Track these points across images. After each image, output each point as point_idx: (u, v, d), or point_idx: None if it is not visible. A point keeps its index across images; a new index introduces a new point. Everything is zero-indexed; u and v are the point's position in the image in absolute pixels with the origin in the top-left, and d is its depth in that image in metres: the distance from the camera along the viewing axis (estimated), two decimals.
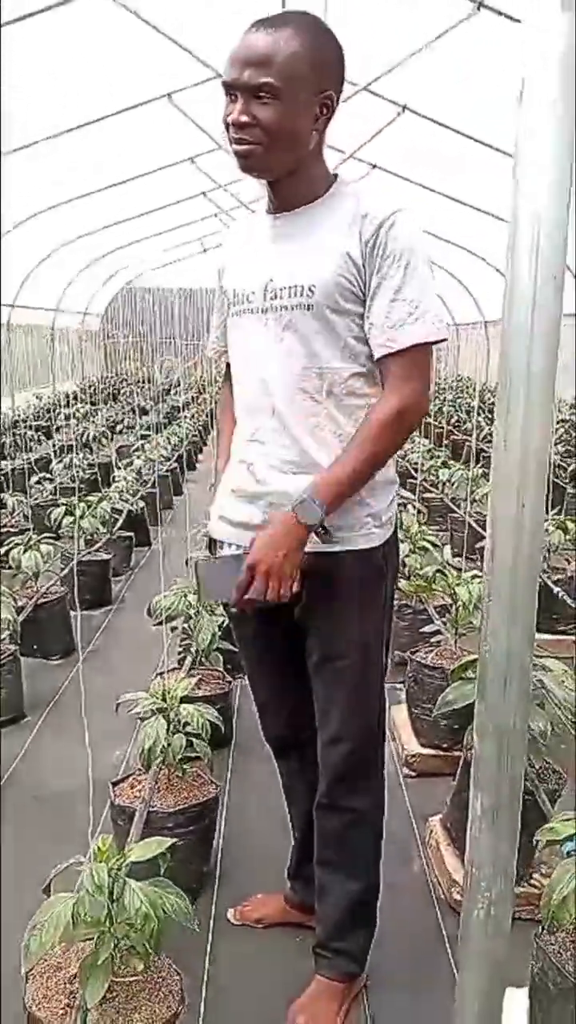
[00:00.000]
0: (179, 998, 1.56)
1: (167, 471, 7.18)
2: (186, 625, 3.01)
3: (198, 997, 1.85)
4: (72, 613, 3.79)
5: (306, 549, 1.62)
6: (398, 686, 3.07)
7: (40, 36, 5.05)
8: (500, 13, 4.09)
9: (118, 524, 5.13)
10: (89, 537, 4.55)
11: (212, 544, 1.81)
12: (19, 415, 9.24)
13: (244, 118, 1.48)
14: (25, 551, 3.58)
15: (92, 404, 10.36)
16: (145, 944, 1.42)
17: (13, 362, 10.16)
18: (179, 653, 3.09)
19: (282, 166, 1.55)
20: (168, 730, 2.09)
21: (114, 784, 2.22)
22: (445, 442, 9.19)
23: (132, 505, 5.46)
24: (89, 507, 4.62)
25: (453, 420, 10.14)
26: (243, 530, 1.70)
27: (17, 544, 3.65)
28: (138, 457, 6.99)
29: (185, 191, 9.73)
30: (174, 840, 1.55)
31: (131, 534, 5.31)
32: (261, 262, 1.65)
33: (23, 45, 5.16)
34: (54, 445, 7.87)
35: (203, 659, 2.87)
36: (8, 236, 9.01)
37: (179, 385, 13.48)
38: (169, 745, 2.07)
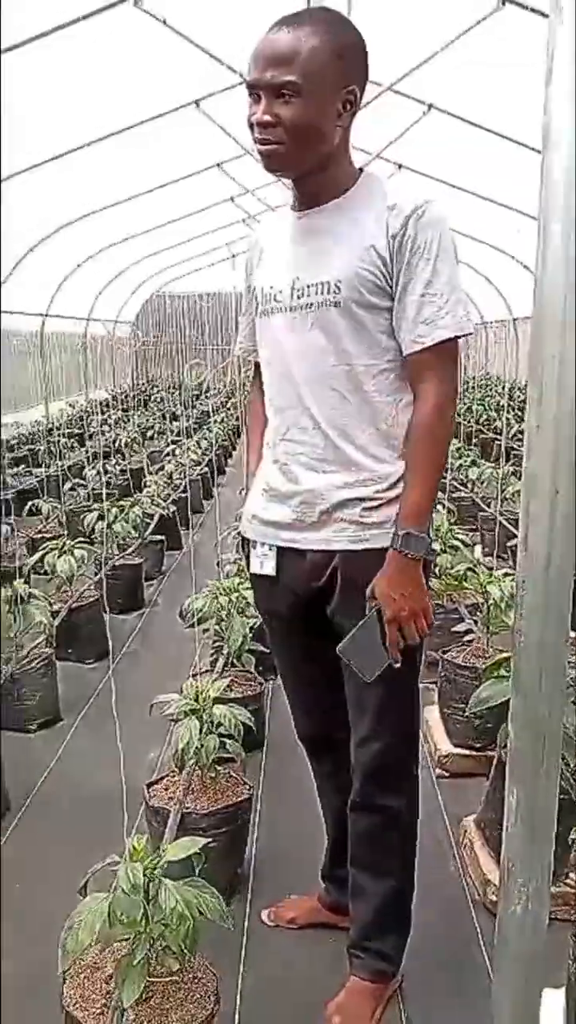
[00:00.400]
0: (215, 998, 1.56)
1: (198, 475, 7.21)
2: (217, 627, 3.02)
3: (233, 997, 1.85)
4: (105, 617, 3.82)
5: (338, 547, 1.62)
6: (430, 686, 3.04)
7: (68, 48, 5.11)
8: (525, 7, 4.06)
9: (150, 529, 5.16)
10: (122, 542, 4.59)
11: (244, 543, 1.81)
12: (53, 423, 9.35)
13: (267, 117, 1.48)
14: (60, 556, 3.62)
15: (124, 410, 10.45)
16: (181, 944, 1.42)
17: (48, 371, 10.29)
18: (211, 655, 3.10)
19: (307, 164, 1.55)
20: (201, 731, 2.09)
21: (148, 786, 2.24)
22: (474, 440, 9.12)
23: (163, 510, 5.49)
24: (121, 512, 4.66)
25: (482, 418, 10.06)
26: (275, 529, 1.71)
27: (52, 549, 3.69)
28: (169, 462, 7.03)
29: (212, 197, 9.79)
30: (208, 840, 1.55)
31: (162, 538, 5.34)
32: (288, 260, 1.65)
33: (50, 57, 5.21)
34: (87, 452, 7.96)
35: (235, 661, 2.87)
36: (40, 247, 9.14)
37: (209, 390, 13.55)
38: (202, 746, 2.08)
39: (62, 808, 2.63)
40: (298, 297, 1.61)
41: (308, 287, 1.60)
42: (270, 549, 1.74)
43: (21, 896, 2.22)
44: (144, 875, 1.43)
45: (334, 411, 1.61)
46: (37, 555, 3.65)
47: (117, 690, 3.23)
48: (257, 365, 1.82)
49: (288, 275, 1.63)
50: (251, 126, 1.53)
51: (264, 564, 1.75)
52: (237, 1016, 1.81)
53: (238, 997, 1.86)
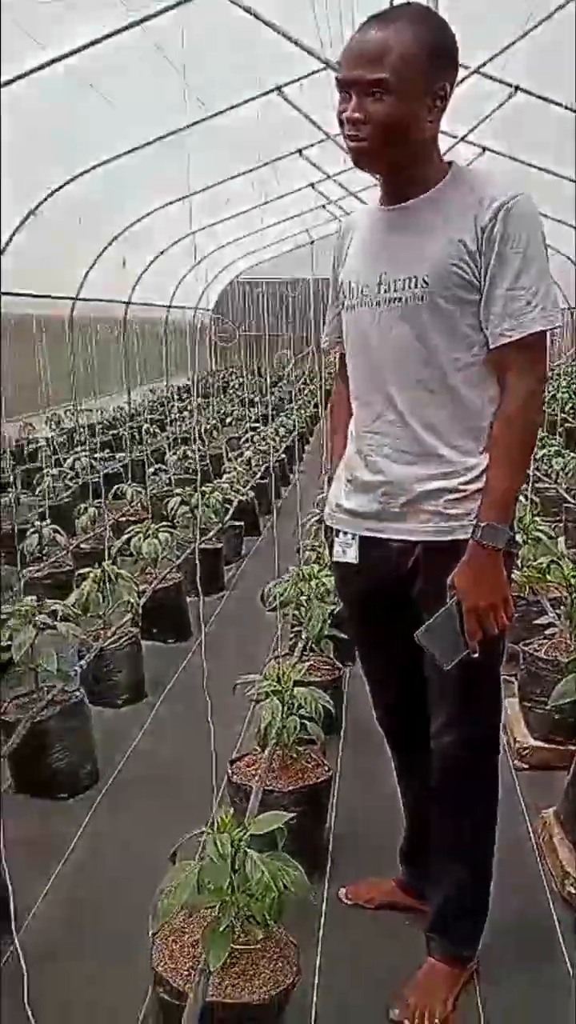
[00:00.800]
0: (296, 968, 1.62)
1: (276, 462, 7.28)
2: (297, 613, 3.08)
3: (311, 970, 1.91)
4: (188, 599, 3.93)
5: (421, 538, 1.65)
6: (510, 678, 3.03)
7: (151, 38, 5.19)
8: None
9: (229, 514, 5.26)
10: (203, 526, 4.70)
11: (328, 532, 1.86)
12: (135, 409, 9.58)
13: (358, 115, 1.51)
14: (145, 539, 3.74)
15: (204, 397, 10.62)
16: (265, 914, 1.48)
17: (130, 359, 10.53)
18: (290, 639, 3.16)
19: (396, 160, 1.57)
20: (283, 712, 2.15)
21: (231, 763, 2.31)
22: (559, 430, 8.90)
23: (242, 495, 5.58)
24: (203, 497, 4.77)
25: (568, 407, 9.81)
26: (358, 519, 1.75)
27: (138, 532, 3.82)
28: (247, 448, 7.13)
29: (293, 183, 9.81)
30: (292, 815, 1.61)
31: (241, 523, 5.44)
32: (376, 255, 1.68)
33: (135, 48, 5.29)
34: (168, 437, 8.12)
35: (314, 646, 2.93)
36: (122, 237, 9.33)
37: (287, 377, 13.61)
38: (284, 727, 2.14)
39: (147, 780, 2.74)
40: (385, 291, 1.64)
41: (396, 281, 1.62)
42: (352, 538, 1.78)
43: (109, 862, 2.34)
44: (231, 846, 1.50)
45: (420, 404, 1.63)
46: (124, 537, 3.78)
47: (197, 670, 3.33)
48: (342, 356, 1.86)
49: (376, 269, 1.66)
50: (341, 122, 1.56)
51: (346, 552, 1.79)
52: (315, 988, 1.87)
53: (315, 970, 1.92)
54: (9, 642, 2.49)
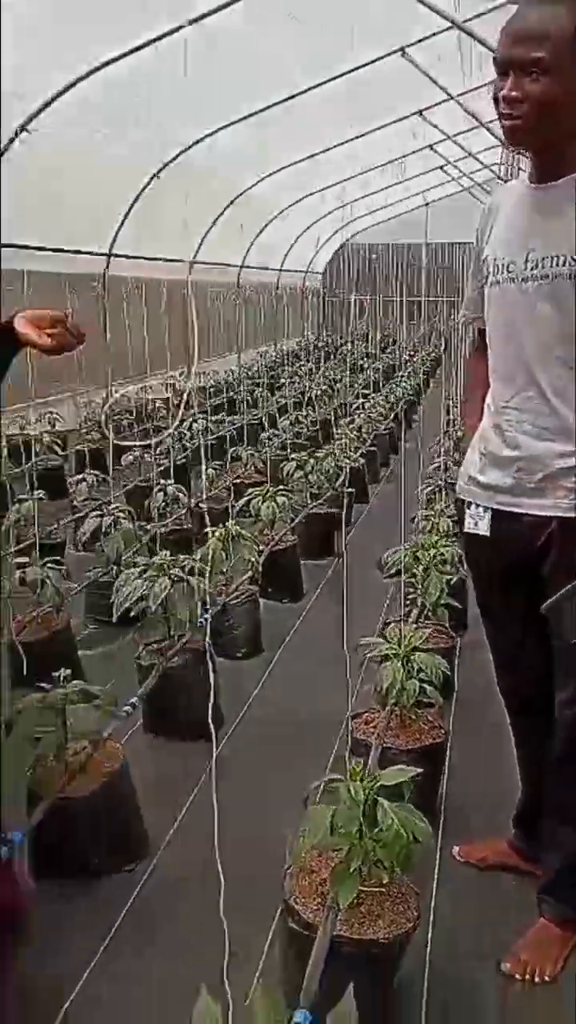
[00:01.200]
0: (416, 914, 1.73)
1: (384, 430, 7.30)
2: (412, 580, 3.14)
3: (427, 920, 2.02)
4: (302, 561, 4.05)
5: (556, 513, 1.69)
6: None
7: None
8: None
9: (340, 479, 5.34)
10: (315, 491, 4.80)
11: (460, 503, 1.91)
12: (246, 372, 9.73)
13: (515, 93, 1.53)
14: (264, 502, 3.87)
15: (315, 362, 10.67)
16: (394, 860, 1.59)
17: (240, 322, 10.68)
18: (406, 606, 3.24)
19: (549, 139, 1.59)
20: (403, 675, 2.24)
21: (351, 718, 2.43)
22: None
23: (354, 462, 5.65)
24: (317, 463, 4.86)
25: None
26: (491, 492, 1.79)
27: (257, 495, 3.95)
28: (359, 415, 7.17)
29: (411, 144, 9.62)
30: (419, 771, 1.70)
31: (351, 490, 5.51)
32: (523, 232, 1.70)
33: (254, 14, 5.29)
34: (278, 402, 8.24)
35: (429, 614, 2.99)
36: (239, 200, 9.41)
37: (395, 343, 13.48)
38: (404, 689, 2.23)
39: (267, 728, 2.90)
40: (532, 268, 1.66)
41: (543, 259, 1.64)
42: (485, 511, 1.83)
43: (232, 802, 2.51)
44: (363, 794, 1.61)
45: (560, 381, 1.66)
46: (244, 499, 3.92)
47: (310, 629, 3.47)
48: (481, 332, 1.89)
49: (522, 246, 1.68)
50: (496, 100, 1.58)
51: (478, 524, 1.85)
52: (430, 935, 1.98)
53: (431, 920, 2.03)
54: (145, 592, 2.67)
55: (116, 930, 2.00)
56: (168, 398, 9.04)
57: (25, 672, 2.79)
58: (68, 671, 2.17)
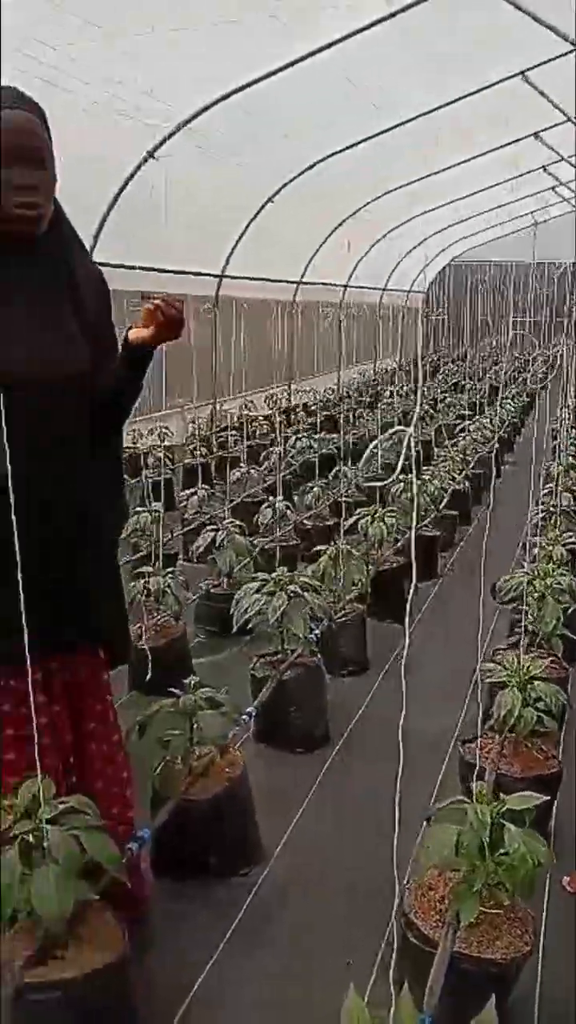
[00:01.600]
0: (532, 938, 1.75)
1: (488, 452, 7.24)
2: (526, 608, 3.14)
3: (537, 946, 2.02)
4: (405, 582, 4.09)
5: None
6: None
7: (399, 29, 5.30)
8: None
9: (444, 502, 5.35)
10: (421, 513, 4.83)
11: None
12: (344, 391, 9.82)
13: None
14: (372, 522, 3.94)
15: (415, 381, 10.69)
16: (517, 884, 1.62)
17: (342, 340, 10.80)
18: (516, 633, 3.24)
19: None
20: (521, 702, 2.26)
21: (463, 743, 2.45)
22: None
23: (457, 484, 5.64)
24: (422, 484, 4.89)
25: None
26: None
27: (365, 515, 4.02)
28: (463, 437, 7.15)
29: (524, 165, 9.56)
30: (544, 798, 1.73)
31: (455, 512, 5.51)
32: None
33: (370, 42, 5.40)
34: (379, 420, 8.29)
35: (543, 643, 2.98)
36: (349, 221, 9.54)
37: (499, 363, 13.33)
38: (521, 716, 2.25)
39: (373, 745, 2.95)
40: None
41: None
42: None
43: (341, 814, 2.57)
44: (490, 817, 1.65)
45: None
46: (352, 519, 3.99)
47: (414, 649, 3.49)
48: None
49: None
50: None
51: None
52: (540, 962, 1.98)
53: (540, 945, 2.03)
54: (263, 606, 2.77)
55: (233, 931, 2.09)
56: (270, 415, 9.23)
57: (148, 678, 2.95)
58: (196, 678, 2.28)
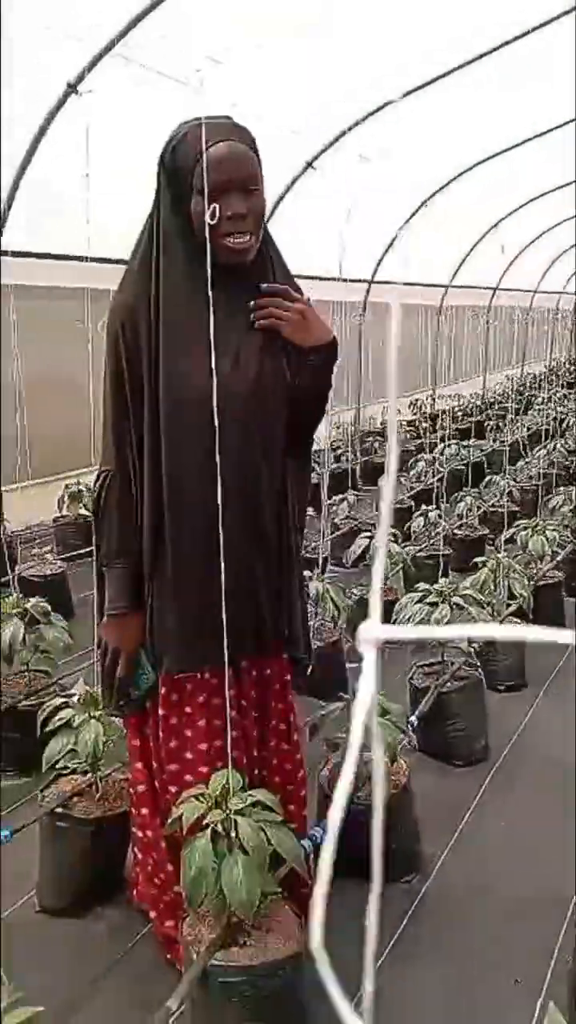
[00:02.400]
0: None
1: None
2: None
3: None
4: (567, 598, 3.98)
5: None
6: None
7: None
8: None
9: None
10: None
11: None
12: (492, 396, 9.62)
13: None
14: (532, 535, 3.85)
15: (570, 385, 10.33)
16: None
17: (489, 344, 10.58)
18: None
19: None
20: None
21: None
22: None
23: None
24: None
25: None
26: None
27: (525, 527, 3.93)
28: None
29: None
30: None
31: None
32: None
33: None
34: (527, 429, 8.08)
35: None
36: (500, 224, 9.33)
37: None
38: None
39: (533, 764, 2.89)
40: None
41: None
42: None
43: (502, 830, 2.54)
44: None
45: None
46: (511, 530, 3.92)
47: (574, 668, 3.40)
48: None
49: None
50: None
51: None
52: None
53: None
54: (425, 617, 2.77)
55: (398, 937, 2.11)
56: (414, 420, 9.18)
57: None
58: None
